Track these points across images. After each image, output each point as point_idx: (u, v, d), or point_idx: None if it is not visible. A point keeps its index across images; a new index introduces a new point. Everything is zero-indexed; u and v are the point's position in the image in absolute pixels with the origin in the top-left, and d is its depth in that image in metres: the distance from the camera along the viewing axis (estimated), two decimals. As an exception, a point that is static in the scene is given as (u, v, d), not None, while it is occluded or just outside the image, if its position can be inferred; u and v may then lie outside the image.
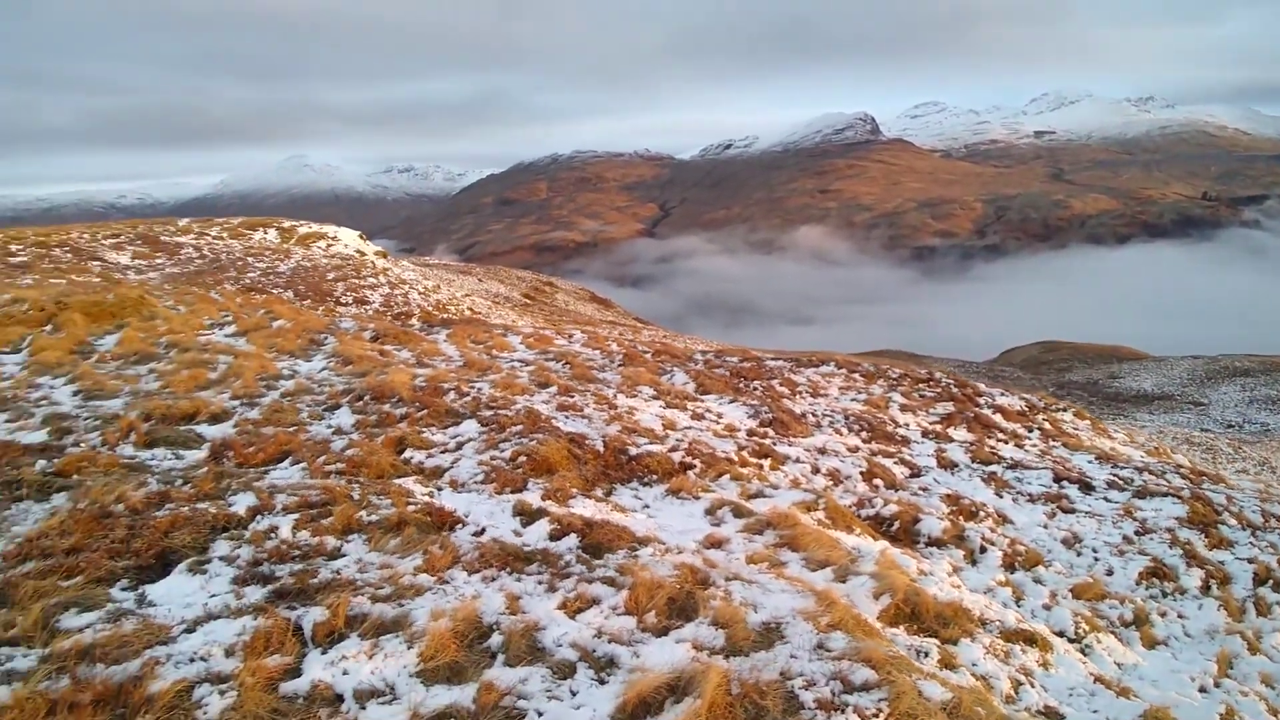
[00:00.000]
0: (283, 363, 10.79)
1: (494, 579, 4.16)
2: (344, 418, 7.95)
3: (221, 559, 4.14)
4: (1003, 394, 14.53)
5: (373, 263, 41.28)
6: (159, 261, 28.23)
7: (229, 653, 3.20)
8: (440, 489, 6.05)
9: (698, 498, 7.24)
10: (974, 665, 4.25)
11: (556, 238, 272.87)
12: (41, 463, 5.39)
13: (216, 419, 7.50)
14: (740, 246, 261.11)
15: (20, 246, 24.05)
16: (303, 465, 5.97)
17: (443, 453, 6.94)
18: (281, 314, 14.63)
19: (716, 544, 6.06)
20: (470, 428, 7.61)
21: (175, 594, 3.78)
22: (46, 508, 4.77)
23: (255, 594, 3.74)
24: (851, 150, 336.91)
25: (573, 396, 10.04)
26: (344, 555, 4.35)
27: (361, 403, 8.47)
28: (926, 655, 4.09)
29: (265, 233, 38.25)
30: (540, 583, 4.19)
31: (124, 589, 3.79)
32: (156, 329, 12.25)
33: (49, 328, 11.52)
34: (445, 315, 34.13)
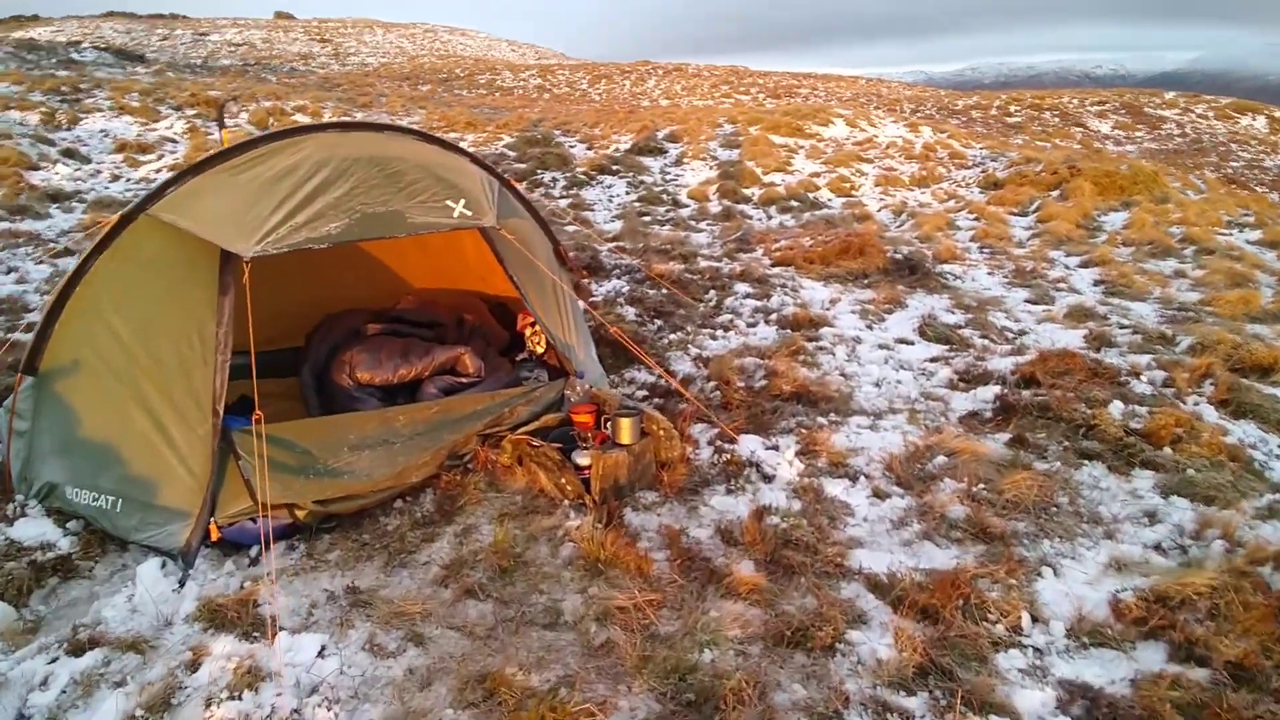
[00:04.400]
0: (1368, 311, 7.00)
1: None
2: None
3: None
4: None
5: None
6: (1138, 135, 25.34)
7: None
8: None
9: None
10: None
11: None
12: (1117, 404, 3.83)
13: (1309, 388, 4.75)
14: None
15: (1018, 108, 24.74)
16: None
17: None
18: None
19: None
20: None
21: None
22: (1128, 495, 3.14)
23: None
24: None
25: None
26: None
27: None
28: None
29: (1254, 119, 30.31)
30: None
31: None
32: (1168, 215, 9.88)
33: (1055, 193, 10.49)
34: None
